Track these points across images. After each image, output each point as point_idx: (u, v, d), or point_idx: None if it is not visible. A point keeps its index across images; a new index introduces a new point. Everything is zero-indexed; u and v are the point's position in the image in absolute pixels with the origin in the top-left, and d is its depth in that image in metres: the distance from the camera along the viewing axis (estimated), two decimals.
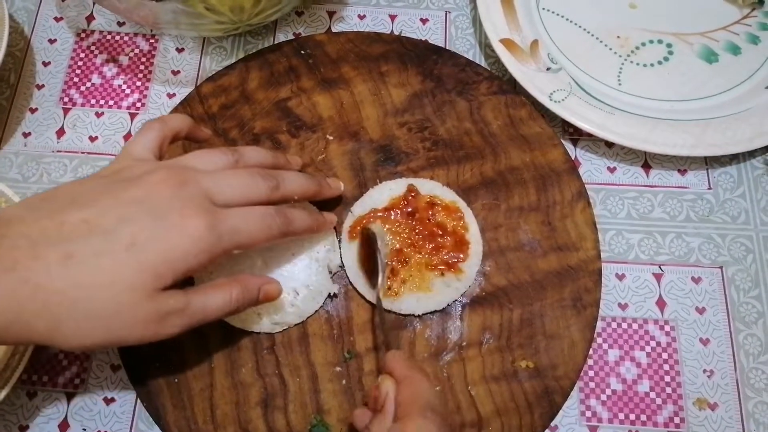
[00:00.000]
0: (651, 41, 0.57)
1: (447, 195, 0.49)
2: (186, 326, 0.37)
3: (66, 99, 0.56)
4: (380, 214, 0.47)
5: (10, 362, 0.44)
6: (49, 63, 0.57)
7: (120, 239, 0.34)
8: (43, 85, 0.56)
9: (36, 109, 0.55)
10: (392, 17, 0.59)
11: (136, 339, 0.35)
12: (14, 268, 0.32)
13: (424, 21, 0.59)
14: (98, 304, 0.33)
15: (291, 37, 0.58)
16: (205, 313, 0.37)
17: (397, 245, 0.46)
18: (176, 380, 0.45)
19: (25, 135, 0.54)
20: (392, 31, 0.58)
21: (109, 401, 0.47)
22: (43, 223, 0.34)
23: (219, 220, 0.36)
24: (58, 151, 0.54)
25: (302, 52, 0.54)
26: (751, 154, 0.53)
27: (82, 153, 0.54)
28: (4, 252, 0.32)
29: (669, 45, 0.57)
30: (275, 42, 0.58)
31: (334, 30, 0.58)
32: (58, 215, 0.34)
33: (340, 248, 0.48)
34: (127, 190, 0.36)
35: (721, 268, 0.50)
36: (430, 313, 0.46)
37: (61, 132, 0.55)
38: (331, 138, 0.52)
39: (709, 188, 0.53)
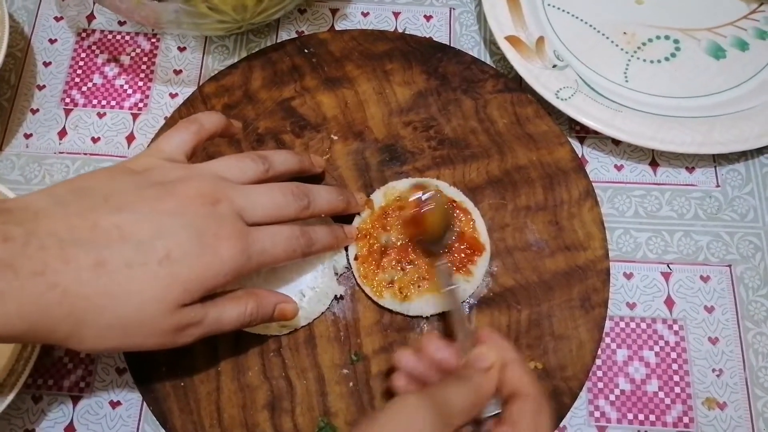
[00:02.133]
0: (658, 37, 0.56)
1: (455, 195, 0.48)
2: (200, 336, 0.37)
3: (67, 99, 0.55)
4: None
5: (15, 367, 0.43)
6: (50, 63, 0.57)
7: (154, 252, 0.34)
8: (44, 86, 0.56)
9: (37, 110, 0.55)
10: (396, 14, 0.58)
11: (150, 346, 0.36)
12: (43, 272, 0.32)
13: (428, 18, 0.58)
14: (123, 313, 0.34)
15: (294, 35, 0.57)
16: (220, 324, 0.38)
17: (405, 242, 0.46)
18: (183, 384, 0.44)
19: (27, 136, 0.54)
20: (396, 28, 0.58)
21: (115, 404, 0.47)
22: (74, 222, 0.33)
23: (250, 244, 0.37)
24: (60, 153, 0.53)
25: (305, 50, 0.54)
26: (760, 151, 0.53)
27: (85, 154, 0.53)
28: (32, 252, 0.32)
29: (676, 41, 0.56)
30: (278, 40, 0.57)
31: (337, 28, 0.58)
32: (90, 215, 0.34)
33: (346, 249, 0.47)
34: (162, 200, 0.36)
35: (729, 266, 0.50)
36: (438, 314, 0.46)
37: (62, 133, 0.54)
38: (335, 138, 0.51)
39: (717, 186, 0.52)
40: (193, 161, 0.41)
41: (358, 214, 0.48)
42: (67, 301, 0.32)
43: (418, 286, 0.45)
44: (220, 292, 0.38)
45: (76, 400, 0.47)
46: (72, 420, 0.46)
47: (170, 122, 0.52)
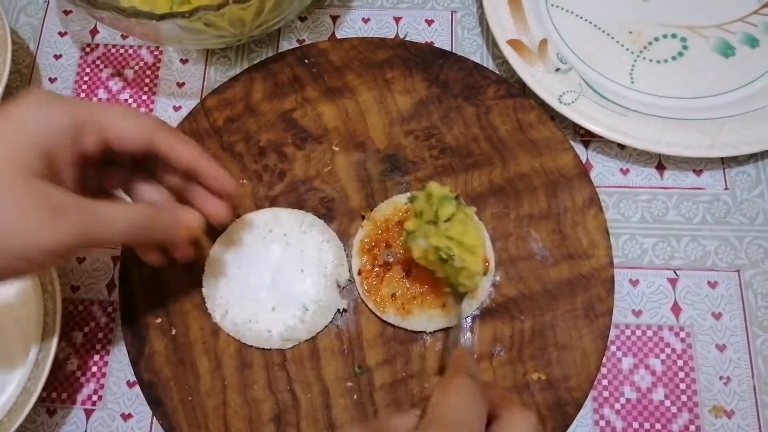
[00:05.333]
0: (665, 36, 0.55)
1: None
2: (86, 230, 0.32)
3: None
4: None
5: (28, 385, 0.44)
6: (56, 79, 0.57)
7: None
8: None
9: None
10: (397, 19, 0.58)
11: (33, 232, 0.31)
12: None
13: (429, 22, 0.58)
14: None
15: (295, 43, 0.57)
16: (107, 221, 0.33)
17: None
18: (190, 398, 0.45)
19: None
20: (397, 33, 0.57)
21: (126, 417, 0.48)
22: None
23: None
24: None
25: (306, 61, 0.54)
26: None
27: None
28: None
29: (683, 39, 0.55)
30: (279, 49, 0.57)
31: (338, 35, 0.57)
32: None
33: (349, 262, 0.48)
34: None
35: (738, 271, 0.49)
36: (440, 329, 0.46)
37: None
38: (337, 149, 0.51)
39: (726, 189, 0.51)
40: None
41: (361, 226, 0.48)
42: None
43: (421, 302, 0.45)
44: None
45: (89, 413, 0.48)
46: None
47: None
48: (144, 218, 0.35)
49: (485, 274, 0.45)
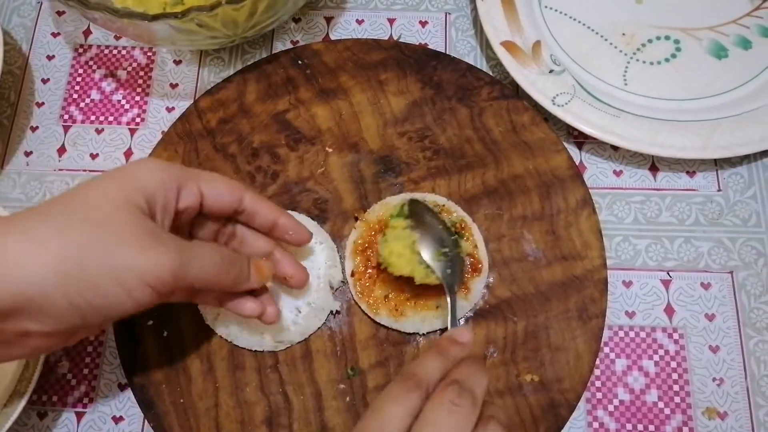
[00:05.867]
0: (658, 38, 0.55)
1: (453, 209, 0.48)
2: (183, 264, 0.34)
3: (66, 116, 0.56)
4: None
5: (18, 388, 0.44)
6: (48, 80, 0.57)
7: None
8: (42, 103, 0.56)
9: (37, 127, 0.55)
10: (391, 21, 0.58)
11: (134, 259, 0.33)
12: None
13: (423, 24, 0.58)
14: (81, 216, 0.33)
15: (289, 44, 0.57)
16: (202, 267, 0.36)
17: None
18: (182, 400, 0.45)
19: (27, 154, 0.55)
20: (391, 35, 0.57)
21: (117, 420, 0.47)
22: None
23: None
24: (59, 170, 0.54)
25: (299, 62, 0.54)
26: (763, 153, 0.52)
27: (84, 171, 0.54)
28: None
29: (677, 41, 0.55)
30: (273, 50, 0.57)
31: (332, 36, 0.57)
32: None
33: (342, 263, 0.47)
34: None
35: (731, 273, 0.49)
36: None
37: (62, 150, 0.55)
38: (330, 150, 0.51)
39: (719, 190, 0.51)
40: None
41: (354, 227, 0.48)
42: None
43: (414, 303, 0.45)
44: None
45: (80, 415, 0.48)
46: None
47: (166, 137, 0.52)
48: (227, 259, 0.38)
49: (470, 274, 0.46)
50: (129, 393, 0.47)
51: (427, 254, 0.43)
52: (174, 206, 0.37)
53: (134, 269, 0.33)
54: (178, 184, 0.37)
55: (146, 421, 0.46)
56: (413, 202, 0.45)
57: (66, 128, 0.55)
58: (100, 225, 0.33)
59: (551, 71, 0.52)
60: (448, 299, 0.43)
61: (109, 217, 0.33)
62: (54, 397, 0.48)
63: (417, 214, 0.45)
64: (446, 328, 0.43)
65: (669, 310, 0.48)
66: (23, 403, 0.44)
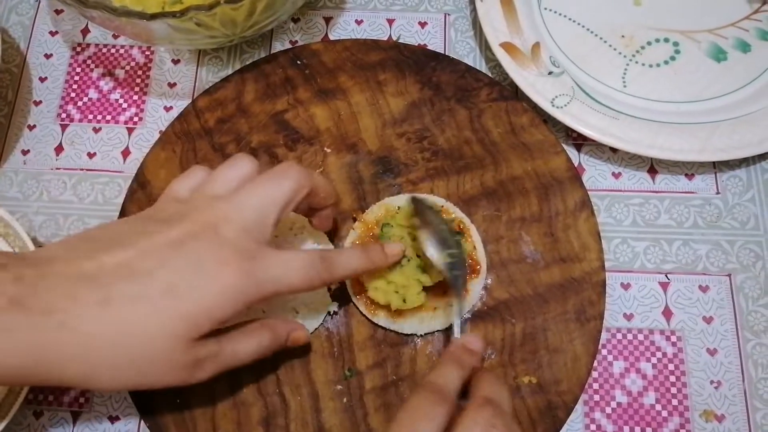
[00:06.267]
0: (657, 40, 0.55)
1: (452, 211, 0.48)
2: (217, 371, 0.37)
3: (63, 115, 0.56)
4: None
5: (14, 387, 0.44)
6: (46, 78, 0.57)
7: (157, 285, 0.34)
8: (40, 102, 0.56)
9: (34, 126, 0.55)
10: (390, 21, 0.58)
11: (166, 383, 0.35)
12: (52, 311, 0.32)
13: (422, 24, 0.58)
14: (135, 350, 0.34)
15: (288, 44, 0.57)
16: (236, 358, 0.38)
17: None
18: (178, 401, 0.45)
19: (24, 153, 0.54)
20: (390, 36, 0.57)
21: (114, 420, 0.47)
22: (82, 264, 0.34)
23: (257, 268, 0.35)
24: (57, 169, 0.54)
25: (298, 62, 0.54)
26: (762, 156, 0.52)
27: (81, 170, 0.54)
28: (41, 292, 0.32)
29: (676, 43, 0.55)
30: (272, 50, 0.57)
31: (331, 36, 0.57)
32: (97, 255, 0.34)
33: None
34: (163, 233, 0.35)
35: (729, 275, 0.49)
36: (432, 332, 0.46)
37: (59, 149, 0.54)
38: (328, 150, 0.51)
39: (718, 193, 0.51)
40: None
41: (353, 228, 0.48)
42: (75, 339, 0.32)
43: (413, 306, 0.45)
44: (237, 324, 0.39)
45: (76, 415, 0.47)
46: None
47: (164, 137, 0.52)
48: (264, 350, 0.40)
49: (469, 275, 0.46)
50: (125, 393, 0.47)
51: (434, 253, 0.42)
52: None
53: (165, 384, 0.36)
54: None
55: (142, 421, 0.46)
56: (416, 201, 0.45)
57: (63, 127, 0.55)
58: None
59: (550, 73, 0.52)
60: (455, 305, 0.42)
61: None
62: (50, 396, 0.48)
63: (421, 213, 0.44)
64: (446, 329, 0.43)
65: (667, 313, 0.48)
66: (19, 402, 0.44)
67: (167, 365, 0.34)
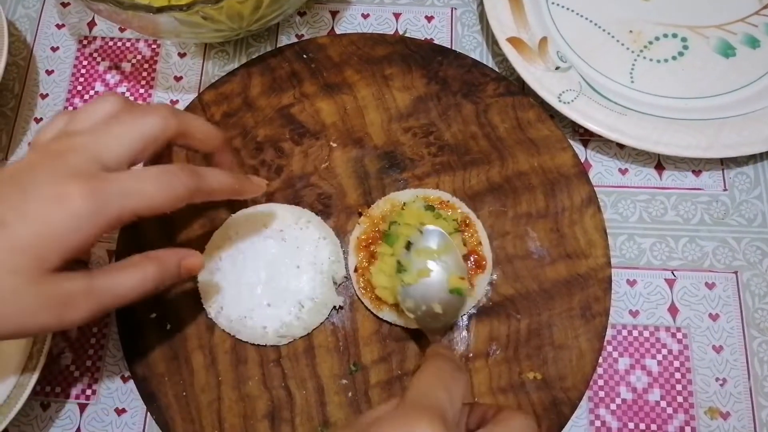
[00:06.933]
0: (665, 35, 0.55)
1: (458, 206, 0.48)
2: (95, 310, 0.33)
3: (70, 108, 0.56)
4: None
5: (21, 379, 0.44)
6: (53, 71, 0.57)
7: None
8: (47, 94, 0.56)
9: (41, 118, 0.55)
10: (396, 15, 0.58)
11: (38, 326, 0.32)
12: None
13: (429, 18, 0.57)
14: None
15: (294, 38, 0.57)
16: (116, 294, 0.34)
17: None
18: (185, 393, 0.45)
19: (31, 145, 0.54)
20: (397, 30, 0.57)
21: (120, 412, 0.47)
22: None
23: (104, 185, 0.32)
24: None
25: (304, 56, 0.53)
26: None
27: None
28: None
29: (684, 39, 0.54)
30: (278, 44, 0.57)
31: (337, 30, 0.57)
32: None
33: (345, 259, 0.47)
34: (7, 168, 0.33)
35: (735, 273, 0.49)
36: None
37: None
38: (334, 145, 0.51)
39: (725, 189, 0.51)
40: None
41: (358, 223, 0.48)
42: None
43: None
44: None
45: (82, 407, 0.48)
46: (79, 427, 0.47)
47: None
48: (151, 282, 0.36)
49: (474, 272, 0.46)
50: (132, 385, 0.47)
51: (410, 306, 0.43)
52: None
53: (43, 330, 0.34)
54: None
55: (149, 413, 0.46)
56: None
57: None
58: None
59: (557, 68, 0.52)
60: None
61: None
62: (57, 388, 0.48)
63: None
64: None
65: (673, 310, 0.48)
66: (27, 394, 0.44)
67: (23, 304, 0.31)
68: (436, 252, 0.44)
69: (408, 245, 0.44)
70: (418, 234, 0.44)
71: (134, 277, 0.35)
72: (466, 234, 0.47)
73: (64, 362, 0.49)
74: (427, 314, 0.43)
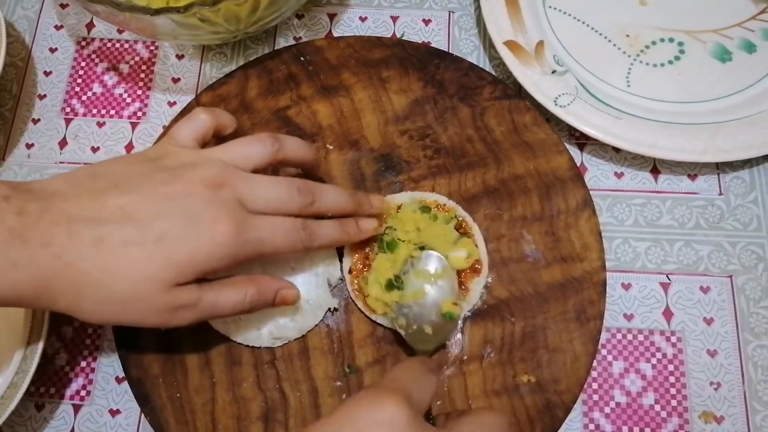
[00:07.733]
0: (662, 39, 0.55)
1: (454, 209, 0.48)
2: (196, 319, 0.38)
3: (68, 109, 0.56)
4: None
5: (16, 379, 0.44)
6: (51, 72, 0.57)
7: (151, 233, 0.36)
8: (45, 95, 0.56)
9: (38, 119, 0.55)
10: (394, 19, 0.58)
11: (148, 324, 0.38)
12: (50, 244, 0.34)
13: (426, 22, 0.57)
14: (119, 289, 0.36)
15: (291, 41, 0.57)
16: (217, 308, 0.39)
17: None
18: (179, 395, 0.45)
19: (28, 146, 0.55)
20: (394, 33, 0.57)
21: (114, 413, 0.48)
22: (84, 202, 0.36)
23: (246, 229, 0.37)
24: (60, 162, 0.54)
25: (302, 58, 0.54)
26: (765, 157, 0.52)
27: (85, 164, 0.53)
28: (43, 226, 0.34)
29: (680, 43, 0.55)
30: (275, 46, 0.57)
31: (335, 33, 0.57)
32: (100, 196, 0.36)
33: (340, 261, 0.47)
34: (167, 184, 0.37)
35: (730, 277, 0.49)
36: None
37: (63, 143, 0.55)
38: (331, 147, 0.51)
39: (720, 194, 0.51)
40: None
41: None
42: (68, 272, 0.35)
43: None
44: (221, 277, 0.40)
45: (77, 408, 0.48)
46: (73, 428, 0.47)
47: (167, 132, 0.52)
48: (248, 304, 0.40)
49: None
50: (126, 386, 0.47)
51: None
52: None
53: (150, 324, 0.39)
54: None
55: (143, 415, 0.46)
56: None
57: (67, 121, 0.55)
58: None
59: (554, 72, 0.52)
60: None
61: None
62: (52, 389, 0.48)
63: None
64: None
65: (667, 314, 0.48)
66: (20, 394, 0.44)
67: (148, 306, 0.36)
68: (433, 276, 0.44)
69: (406, 262, 0.45)
70: (419, 255, 0.45)
71: (236, 296, 0.39)
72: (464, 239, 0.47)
73: (59, 363, 0.49)
74: (418, 333, 0.44)
